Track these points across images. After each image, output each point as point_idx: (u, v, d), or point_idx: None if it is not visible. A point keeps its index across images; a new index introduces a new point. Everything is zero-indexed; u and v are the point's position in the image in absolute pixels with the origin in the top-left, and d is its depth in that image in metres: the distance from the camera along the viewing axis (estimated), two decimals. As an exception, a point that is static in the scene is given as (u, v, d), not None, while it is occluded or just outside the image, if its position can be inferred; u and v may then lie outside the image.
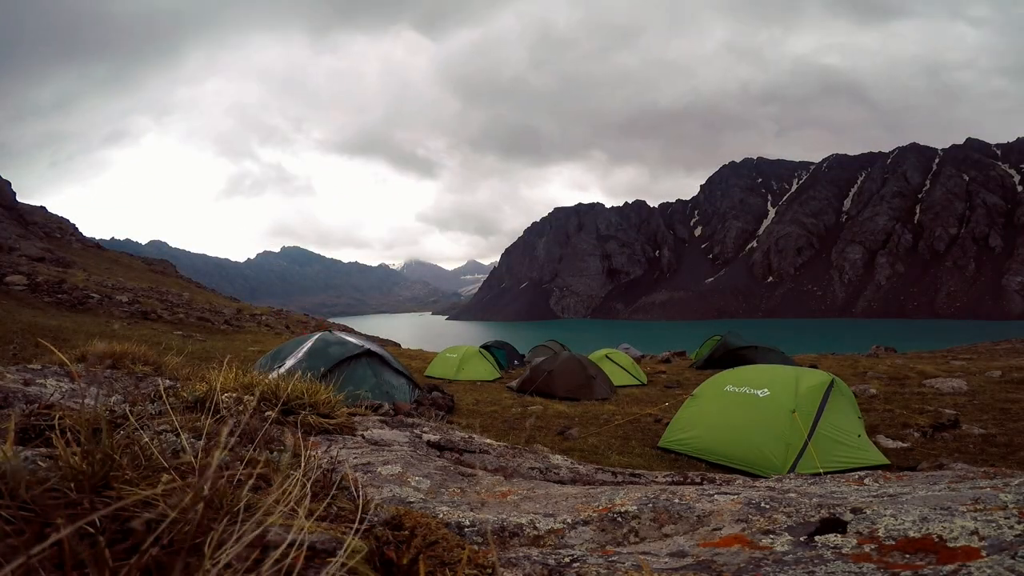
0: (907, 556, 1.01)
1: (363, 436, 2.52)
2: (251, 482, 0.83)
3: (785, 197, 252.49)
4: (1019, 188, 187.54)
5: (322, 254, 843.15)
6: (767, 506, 1.37)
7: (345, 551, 0.75)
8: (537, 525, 1.41)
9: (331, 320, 53.21)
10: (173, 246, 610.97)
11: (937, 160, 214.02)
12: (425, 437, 2.72)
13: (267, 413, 2.07)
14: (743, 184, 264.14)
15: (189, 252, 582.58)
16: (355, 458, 2.05)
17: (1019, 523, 1.05)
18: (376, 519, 1.08)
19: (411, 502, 1.60)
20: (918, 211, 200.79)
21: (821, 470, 6.15)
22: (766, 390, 7.28)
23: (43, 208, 49.18)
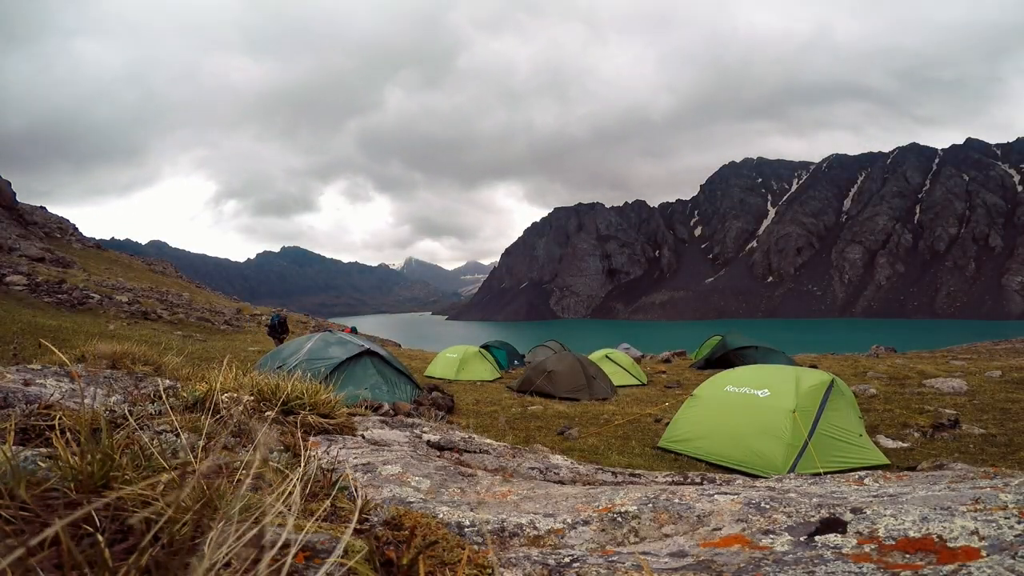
0: (907, 556, 1.01)
1: (363, 436, 2.52)
2: (250, 482, 0.83)
3: (785, 197, 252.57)
4: (1019, 188, 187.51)
5: (322, 254, 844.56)
6: (767, 506, 1.37)
7: (345, 551, 0.75)
8: (537, 525, 1.41)
9: (331, 320, 53.19)
10: (173, 246, 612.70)
11: (937, 160, 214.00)
12: (425, 437, 2.72)
13: (267, 413, 2.07)
14: (743, 184, 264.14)
15: (189, 252, 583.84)
16: (355, 458, 2.05)
17: (1019, 523, 1.05)
18: (376, 519, 1.08)
19: (411, 502, 1.60)
20: (918, 211, 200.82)
21: (821, 470, 6.15)
22: (766, 390, 7.28)
23: (43, 208, 49.10)
